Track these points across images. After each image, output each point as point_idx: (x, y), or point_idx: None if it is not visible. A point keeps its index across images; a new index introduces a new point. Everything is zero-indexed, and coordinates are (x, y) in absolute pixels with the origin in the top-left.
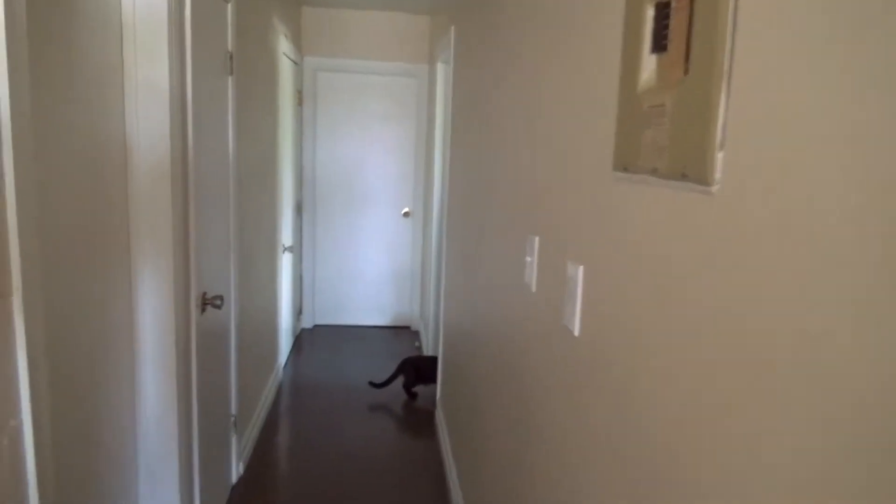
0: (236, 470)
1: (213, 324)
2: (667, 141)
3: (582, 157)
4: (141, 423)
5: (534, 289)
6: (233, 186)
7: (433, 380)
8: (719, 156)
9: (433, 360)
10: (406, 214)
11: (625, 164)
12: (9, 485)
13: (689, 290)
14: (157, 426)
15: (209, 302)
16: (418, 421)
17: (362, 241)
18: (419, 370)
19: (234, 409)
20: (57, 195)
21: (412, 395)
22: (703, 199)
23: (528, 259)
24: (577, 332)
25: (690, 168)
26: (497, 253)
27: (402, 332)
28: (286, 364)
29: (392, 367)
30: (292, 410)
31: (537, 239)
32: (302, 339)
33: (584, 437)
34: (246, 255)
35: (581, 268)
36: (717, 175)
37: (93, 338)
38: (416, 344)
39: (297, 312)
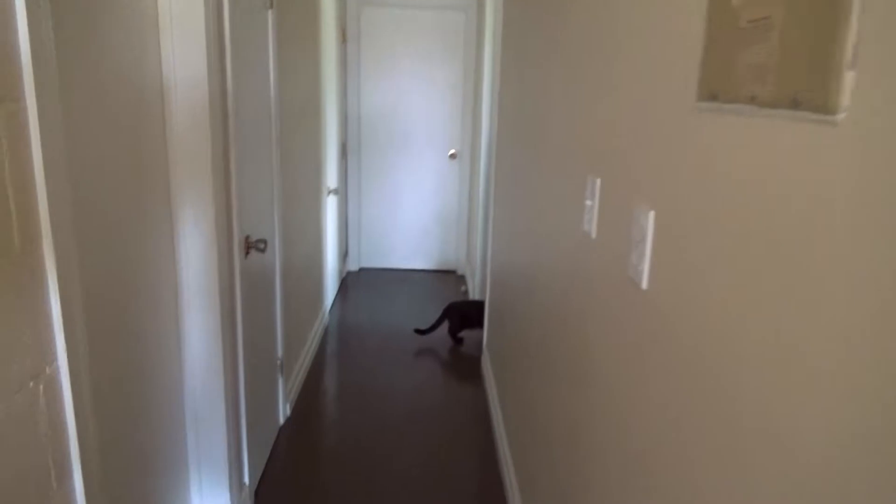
0: (283, 412)
1: (258, 267)
2: (773, 61)
3: (657, 86)
4: (186, 367)
5: (594, 235)
6: (275, 127)
7: (479, 325)
8: (849, 76)
9: (479, 304)
10: (452, 156)
11: (713, 92)
12: (47, 434)
13: (795, 244)
14: (202, 370)
15: (252, 245)
16: (464, 366)
17: (408, 184)
18: (464, 315)
19: (280, 353)
20: (92, 137)
21: (458, 341)
22: (821, 130)
23: (588, 203)
24: (644, 285)
25: (806, 93)
26: (551, 195)
27: (447, 276)
28: (332, 307)
29: (437, 312)
30: (338, 354)
31: (599, 181)
32: (348, 281)
33: (648, 395)
34: (290, 197)
35: (652, 213)
36: (845, 101)
37: (135, 283)
38: (462, 288)
39: (343, 255)
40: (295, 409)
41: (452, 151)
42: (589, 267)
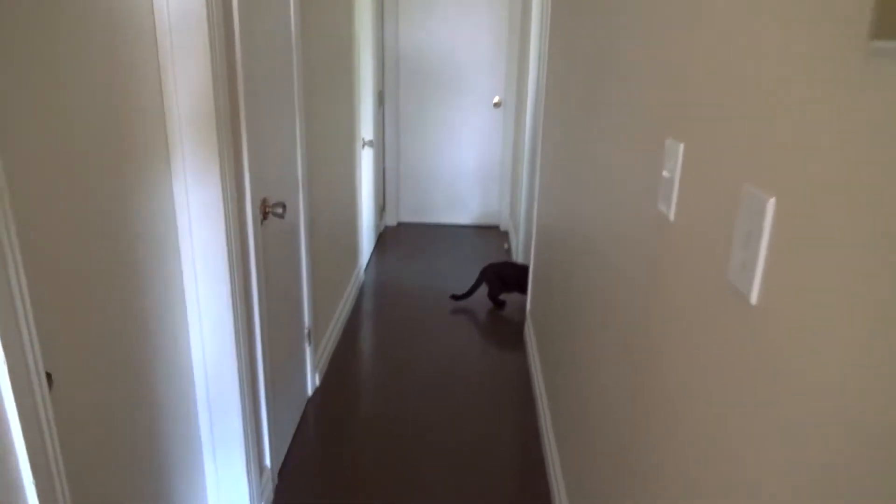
0: (312, 382)
1: (279, 232)
2: None
3: (787, 15)
4: (194, 344)
5: (672, 217)
6: (297, 73)
7: (521, 289)
8: None
9: (519, 267)
10: (496, 104)
11: None
12: None
13: None
14: (213, 347)
15: (270, 210)
16: (506, 332)
17: (449, 134)
18: (504, 278)
19: (307, 321)
20: (60, 80)
21: (499, 304)
22: None
23: (666, 175)
24: (754, 300)
25: None
26: (613, 158)
27: (489, 232)
28: (368, 264)
29: (478, 271)
30: (373, 315)
31: (682, 147)
32: (385, 237)
33: (736, 422)
34: (319, 152)
35: (772, 201)
36: None
37: (128, 255)
38: (505, 246)
39: (380, 210)
40: (325, 378)
41: (497, 99)
42: (664, 255)
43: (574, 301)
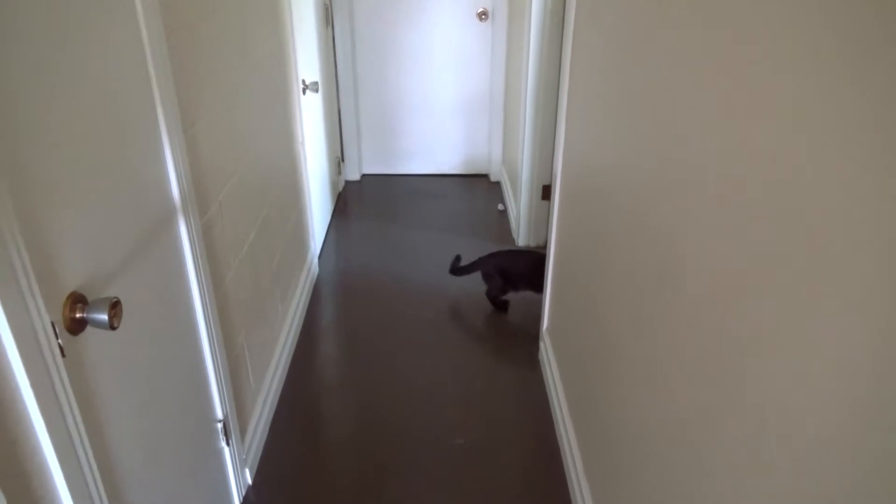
0: (240, 484)
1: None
2: None
3: None
4: None
5: None
6: None
7: (535, 287)
8: None
9: (532, 257)
10: (482, 16)
11: None
12: None
13: None
14: None
15: (86, 317)
16: (513, 353)
17: (419, 59)
18: (509, 274)
19: (220, 413)
20: None
21: (500, 306)
22: None
23: None
24: None
25: None
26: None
27: (477, 182)
28: (324, 244)
29: (469, 242)
30: (334, 338)
31: None
32: (346, 198)
33: None
34: (215, 125)
35: None
36: None
37: None
38: (500, 207)
39: (337, 163)
40: (262, 466)
41: (481, 9)
42: None
43: (634, 312)
